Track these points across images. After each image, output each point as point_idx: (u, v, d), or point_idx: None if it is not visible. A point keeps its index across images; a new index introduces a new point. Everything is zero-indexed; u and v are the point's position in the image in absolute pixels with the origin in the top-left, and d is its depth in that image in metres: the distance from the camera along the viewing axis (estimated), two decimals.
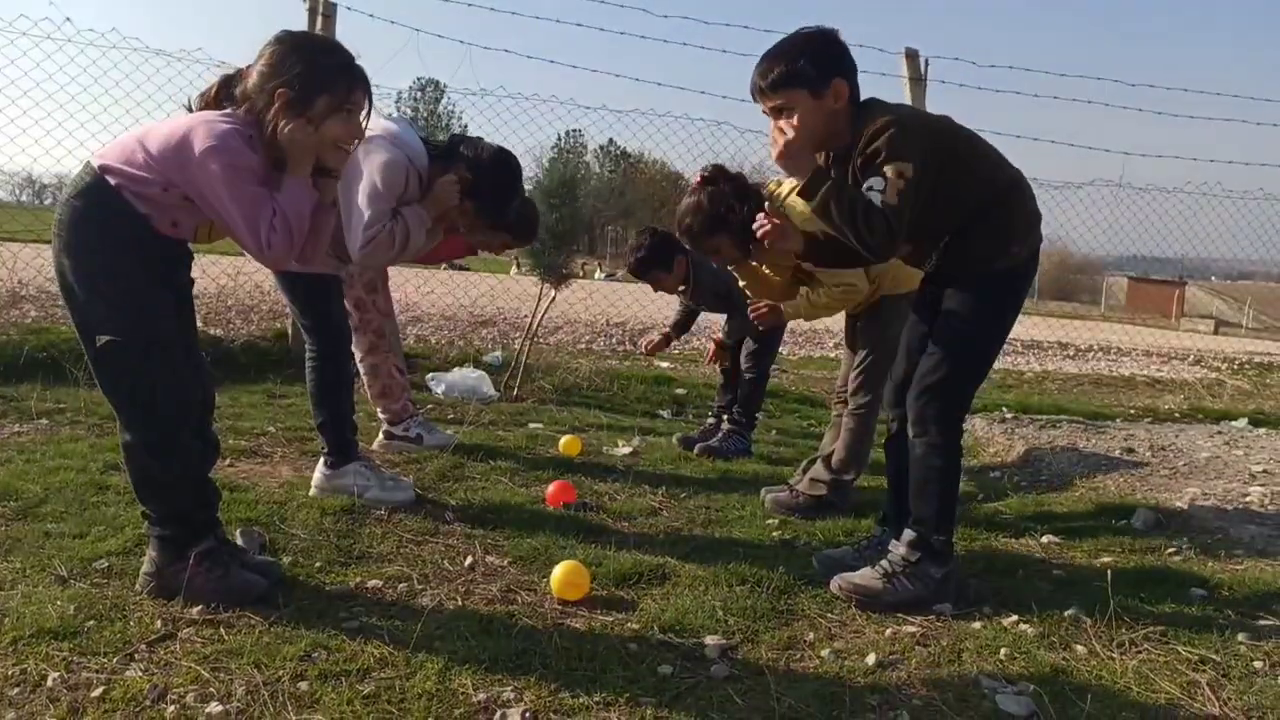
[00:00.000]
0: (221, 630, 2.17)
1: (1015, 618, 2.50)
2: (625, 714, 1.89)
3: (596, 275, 31.00)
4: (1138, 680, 2.15)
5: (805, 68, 2.43)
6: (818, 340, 11.98)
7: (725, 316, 4.63)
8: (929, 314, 2.66)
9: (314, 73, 2.21)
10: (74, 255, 2.19)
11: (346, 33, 5.80)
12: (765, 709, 1.95)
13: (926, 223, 2.48)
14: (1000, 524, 3.47)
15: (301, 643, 2.10)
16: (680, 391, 6.30)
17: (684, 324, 5.00)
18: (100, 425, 4.08)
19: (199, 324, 2.53)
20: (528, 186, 4.29)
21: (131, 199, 2.16)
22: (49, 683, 1.87)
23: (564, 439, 4.35)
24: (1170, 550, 3.18)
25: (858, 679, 2.12)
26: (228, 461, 3.63)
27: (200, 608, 2.25)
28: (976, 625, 2.46)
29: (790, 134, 2.44)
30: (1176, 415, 6.83)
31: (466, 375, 5.80)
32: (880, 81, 6.64)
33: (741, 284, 3.59)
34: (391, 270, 4.05)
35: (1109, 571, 2.72)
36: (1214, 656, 2.28)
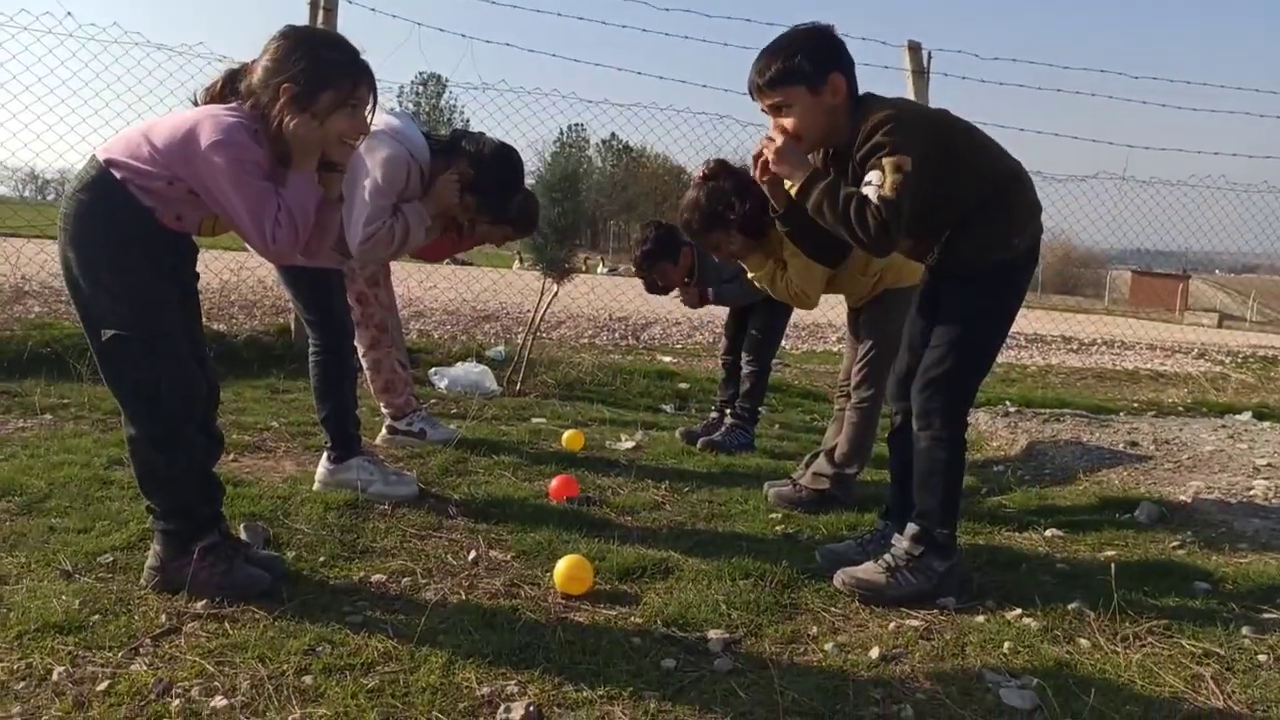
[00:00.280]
0: (226, 624, 2.17)
1: (1019, 611, 2.49)
2: (629, 708, 1.90)
3: (599, 270, 30.98)
4: (1141, 674, 2.14)
5: (802, 64, 2.43)
6: (820, 334, 11.97)
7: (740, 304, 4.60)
8: (931, 307, 2.66)
9: (319, 68, 2.21)
10: (79, 249, 2.19)
11: (348, 26, 5.80)
12: (769, 702, 1.95)
13: (927, 217, 2.48)
14: (1004, 518, 3.47)
15: (306, 637, 2.11)
16: (683, 386, 6.30)
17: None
18: (104, 420, 4.09)
19: (202, 318, 2.53)
20: (530, 181, 4.29)
21: (136, 193, 2.16)
22: (54, 677, 1.87)
23: (567, 434, 4.35)
24: (1174, 544, 3.18)
25: (861, 673, 2.12)
26: (231, 456, 3.63)
27: (205, 602, 2.26)
28: (980, 619, 2.46)
29: (790, 130, 2.45)
30: (1180, 409, 6.82)
31: (469, 370, 5.81)
32: (883, 75, 6.67)
33: (750, 275, 3.58)
34: (394, 265, 4.05)
35: (1112, 565, 2.72)
36: (1218, 650, 2.28)
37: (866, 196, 2.32)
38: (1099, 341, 14.08)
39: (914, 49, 6.47)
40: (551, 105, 7.24)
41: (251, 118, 2.21)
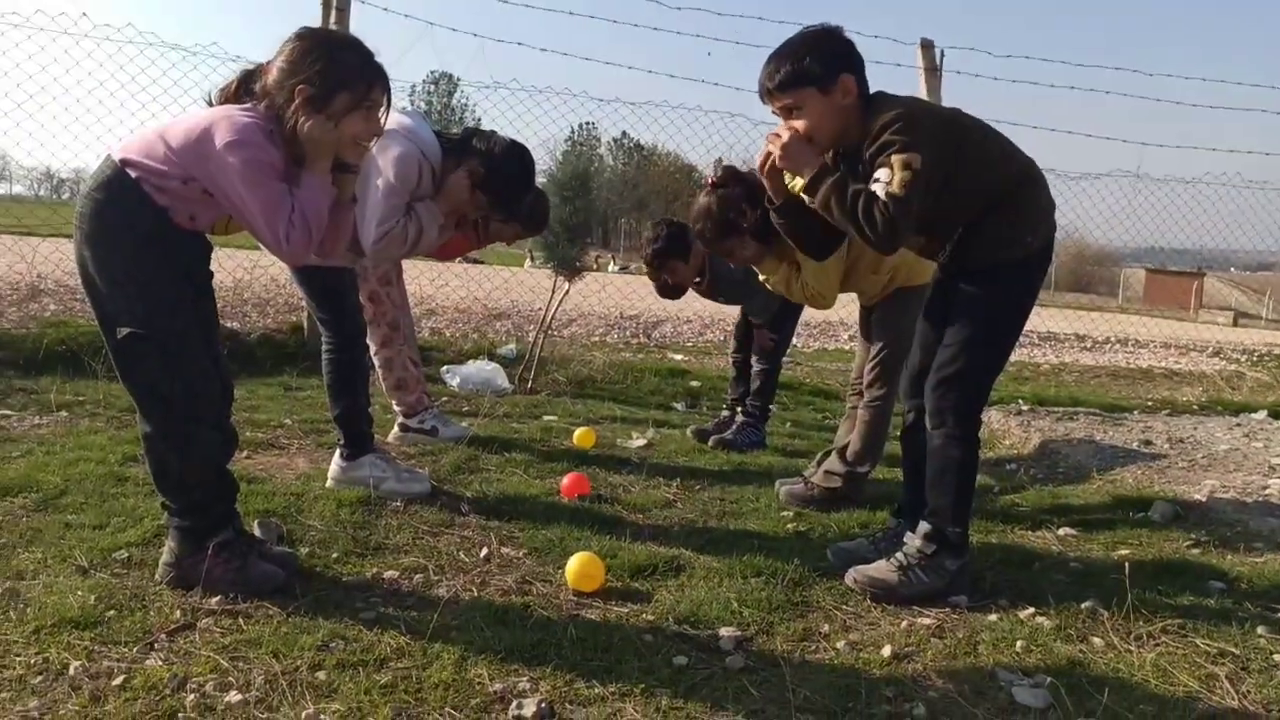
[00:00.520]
0: (240, 620, 2.19)
1: (1032, 610, 2.49)
2: (640, 705, 1.90)
3: (610, 268, 30.97)
4: (1156, 673, 2.13)
5: (811, 66, 2.43)
6: (832, 332, 11.94)
7: (747, 301, 4.60)
8: (944, 306, 2.65)
9: (334, 70, 2.22)
10: (95, 247, 2.21)
11: (360, 26, 5.82)
12: (781, 700, 1.95)
13: (939, 215, 2.47)
14: (1017, 516, 3.45)
15: (319, 633, 2.12)
16: (694, 384, 6.30)
17: None
18: (119, 417, 4.12)
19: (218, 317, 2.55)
20: (541, 179, 4.29)
21: (151, 192, 2.18)
22: (71, 671, 1.89)
23: (578, 431, 4.36)
24: (1188, 543, 3.16)
25: (873, 671, 2.12)
26: (245, 454, 3.65)
27: (219, 598, 2.27)
28: (993, 617, 2.45)
29: (800, 131, 2.45)
30: (1195, 407, 6.78)
31: (481, 368, 5.82)
32: (895, 73, 6.62)
33: (762, 278, 3.58)
34: (406, 263, 4.07)
35: (1126, 564, 2.71)
36: (1233, 649, 2.27)
37: (875, 193, 2.32)
38: (1113, 339, 14.00)
39: (926, 46, 6.44)
40: (563, 104, 7.25)
41: (267, 118, 2.22)
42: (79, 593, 2.23)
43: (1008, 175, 2.53)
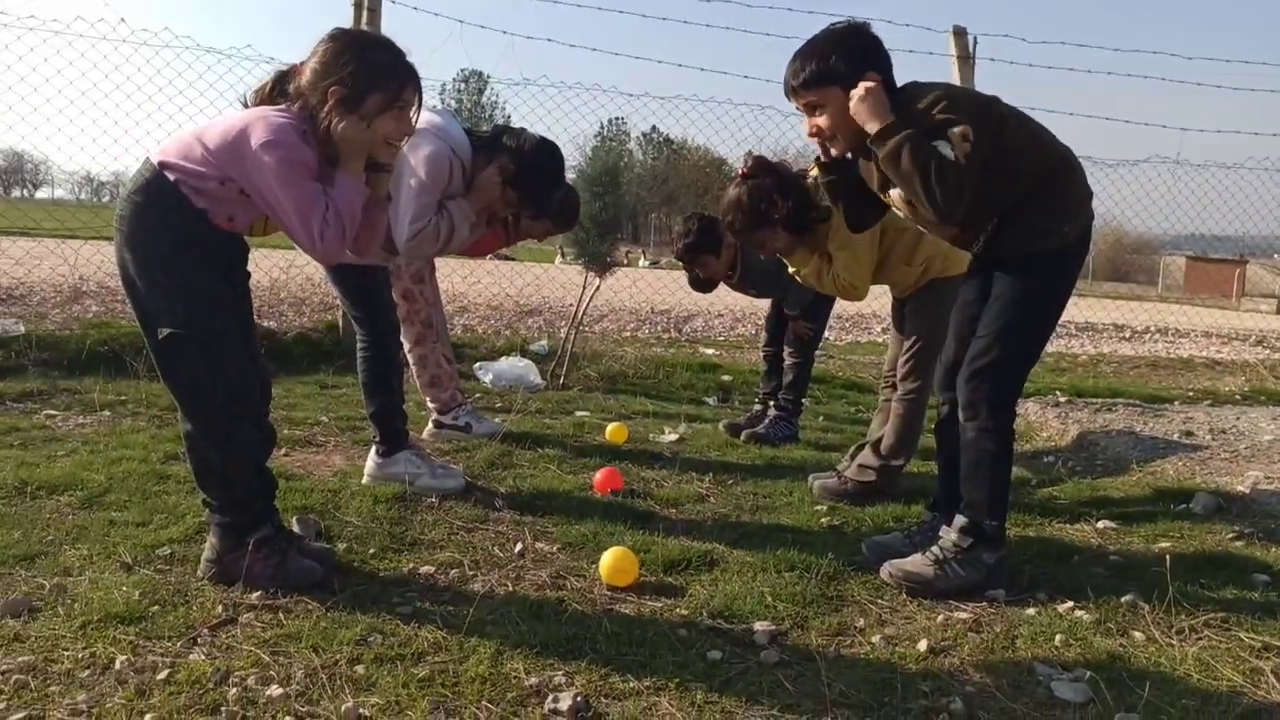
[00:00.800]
0: (280, 615, 2.22)
1: (1071, 604, 2.46)
2: (675, 699, 1.90)
3: (640, 263, 30.98)
4: (1198, 667, 2.10)
5: (837, 64, 2.42)
6: (864, 325, 11.86)
7: (780, 294, 4.59)
8: (978, 297, 2.62)
9: (366, 71, 2.24)
10: (135, 249, 2.24)
11: (391, 25, 5.86)
12: (816, 694, 1.95)
13: (975, 203, 2.44)
14: (1055, 509, 3.41)
15: (357, 627, 2.15)
16: (726, 378, 6.28)
17: None
18: (160, 416, 4.19)
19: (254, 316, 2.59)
20: (570, 175, 4.30)
21: (189, 194, 2.21)
22: (117, 665, 1.93)
23: (611, 426, 4.37)
24: (1231, 535, 3.11)
25: (909, 665, 2.10)
26: (283, 451, 3.71)
27: (259, 593, 2.31)
28: (1031, 611, 2.43)
29: (826, 130, 2.44)
30: (1237, 397, 6.65)
31: (514, 364, 5.85)
32: (928, 60, 6.55)
33: (791, 270, 3.57)
34: (438, 261, 4.09)
35: (1167, 557, 2.66)
36: (1278, 643, 2.22)
37: (945, 154, 2.30)
38: (1152, 329, 13.76)
39: (959, 34, 6.36)
40: (592, 99, 7.26)
41: (301, 119, 2.24)
42: (124, 588, 2.28)
43: (1045, 164, 2.49)
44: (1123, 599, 2.47)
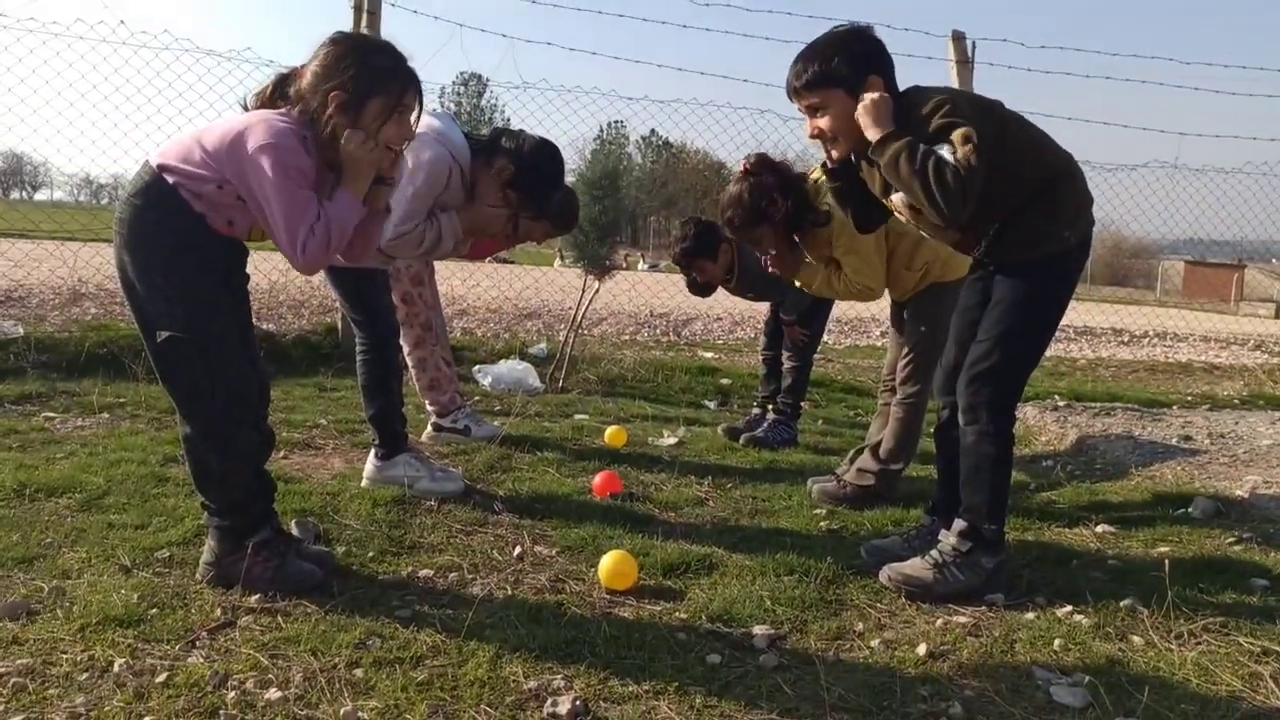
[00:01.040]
0: (279, 618, 2.22)
1: (1070, 608, 2.46)
2: (674, 703, 1.90)
3: (640, 266, 30.97)
4: (1197, 672, 2.10)
5: (839, 67, 2.43)
6: (864, 329, 11.86)
7: (778, 298, 4.59)
8: (979, 301, 2.63)
9: (367, 75, 2.24)
10: (134, 252, 2.24)
11: (390, 27, 5.87)
12: (815, 699, 1.95)
13: (977, 207, 2.44)
14: (1054, 513, 3.41)
15: (356, 630, 2.15)
16: (725, 381, 6.28)
17: None
18: (159, 419, 4.19)
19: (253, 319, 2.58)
20: (570, 178, 4.30)
21: (188, 197, 2.21)
22: (115, 668, 1.93)
23: (610, 430, 4.37)
24: (1230, 540, 3.11)
25: (908, 669, 2.10)
26: (282, 454, 3.70)
27: (258, 596, 2.31)
28: (1030, 616, 2.43)
29: (828, 132, 2.44)
30: (1236, 402, 6.65)
31: (513, 367, 5.85)
32: (927, 65, 6.55)
33: (800, 284, 3.57)
34: (437, 264, 4.10)
35: (1166, 561, 2.66)
36: (1277, 648, 2.22)
37: (945, 158, 2.29)
38: (1150, 333, 13.77)
39: (958, 39, 6.37)
40: (592, 103, 7.26)
41: (301, 124, 2.24)
42: (123, 591, 2.28)
43: (1046, 170, 2.50)
44: (1121, 603, 2.47)
